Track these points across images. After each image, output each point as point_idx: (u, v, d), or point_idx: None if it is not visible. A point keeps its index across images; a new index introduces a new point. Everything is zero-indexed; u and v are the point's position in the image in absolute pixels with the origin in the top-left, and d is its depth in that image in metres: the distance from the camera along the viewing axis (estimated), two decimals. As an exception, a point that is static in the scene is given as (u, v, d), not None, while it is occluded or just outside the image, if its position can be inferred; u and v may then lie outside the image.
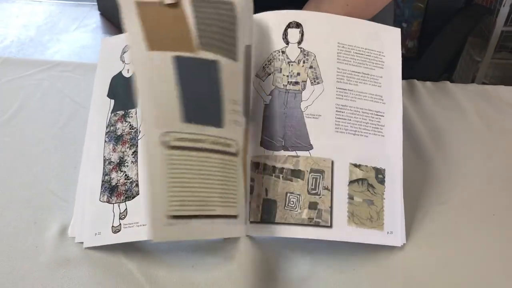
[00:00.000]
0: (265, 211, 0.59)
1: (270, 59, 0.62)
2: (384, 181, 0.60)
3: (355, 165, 0.59)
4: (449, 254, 0.58)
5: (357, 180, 0.59)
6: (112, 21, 2.46)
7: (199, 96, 0.51)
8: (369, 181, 0.59)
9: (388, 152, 0.61)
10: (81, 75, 0.87)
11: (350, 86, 0.62)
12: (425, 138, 0.74)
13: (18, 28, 2.43)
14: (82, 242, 0.58)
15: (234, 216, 0.52)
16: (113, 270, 0.56)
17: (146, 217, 0.48)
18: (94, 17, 2.52)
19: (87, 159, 0.64)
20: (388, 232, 0.58)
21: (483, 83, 1.42)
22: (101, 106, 0.65)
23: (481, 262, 0.58)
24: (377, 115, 0.62)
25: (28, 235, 0.59)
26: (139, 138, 0.60)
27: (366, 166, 0.60)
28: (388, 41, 0.65)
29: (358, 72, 0.62)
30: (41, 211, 0.63)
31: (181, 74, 0.51)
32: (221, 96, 0.52)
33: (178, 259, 0.57)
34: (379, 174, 0.60)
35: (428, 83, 0.87)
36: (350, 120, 0.61)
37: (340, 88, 0.61)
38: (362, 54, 0.63)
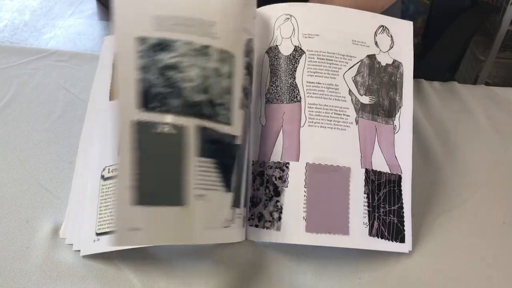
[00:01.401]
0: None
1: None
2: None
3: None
4: (457, 263, 0.56)
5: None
6: (109, 7, 2.41)
7: None
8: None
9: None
10: (77, 65, 0.83)
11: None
12: (433, 141, 0.72)
13: (12, 12, 2.37)
14: (79, 250, 0.56)
15: None
16: (108, 274, 0.53)
17: (79, 236, 0.56)
18: (90, 3, 2.47)
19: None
20: None
21: (487, 83, 1.40)
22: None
23: (490, 271, 0.56)
24: None
25: (19, 235, 0.57)
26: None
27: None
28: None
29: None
30: (34, 209, 0.60)
31: None
32: None
33: (176, 264, 0.55)
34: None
35: (436, 83, 0.84)
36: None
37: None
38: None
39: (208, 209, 0.49)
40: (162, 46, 0.50)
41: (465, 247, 0.58)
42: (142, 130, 0.48)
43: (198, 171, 0.48)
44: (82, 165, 0.62)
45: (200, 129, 0.49)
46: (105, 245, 0.54)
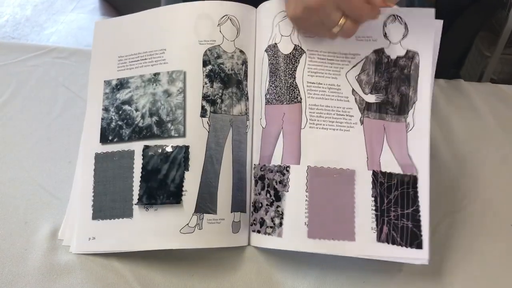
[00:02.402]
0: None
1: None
2: None
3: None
4: (463, 265, 0.55)
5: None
6: (110, 2, 2.39)
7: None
8: None
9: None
10: (77, 62, 0.82)
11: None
12: (438, 139, 0.70)
13: (13, 7, 2.36)
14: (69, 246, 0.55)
15: None
16: (108, 277, 0.53)
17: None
18: (91, -2, 2.45)
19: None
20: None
21: (492, 79, 1.38)
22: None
23: (497, 274, 0.55)
24: None
25: (18, 237, 0.56)
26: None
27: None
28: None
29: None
30: (32, 209, 0.59)
31: None
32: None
33: (177, 267, 0.54)
34: None
35: (441, 81, 0.83)
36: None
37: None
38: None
39: (155, 219, 0.53)
40: (121, 85, 0.59)
41: (471, 250, 0.57)
42: (101, 160, 0.57)
43: (144, 187, 0.54)
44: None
45: (147, 149, 0.55)
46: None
